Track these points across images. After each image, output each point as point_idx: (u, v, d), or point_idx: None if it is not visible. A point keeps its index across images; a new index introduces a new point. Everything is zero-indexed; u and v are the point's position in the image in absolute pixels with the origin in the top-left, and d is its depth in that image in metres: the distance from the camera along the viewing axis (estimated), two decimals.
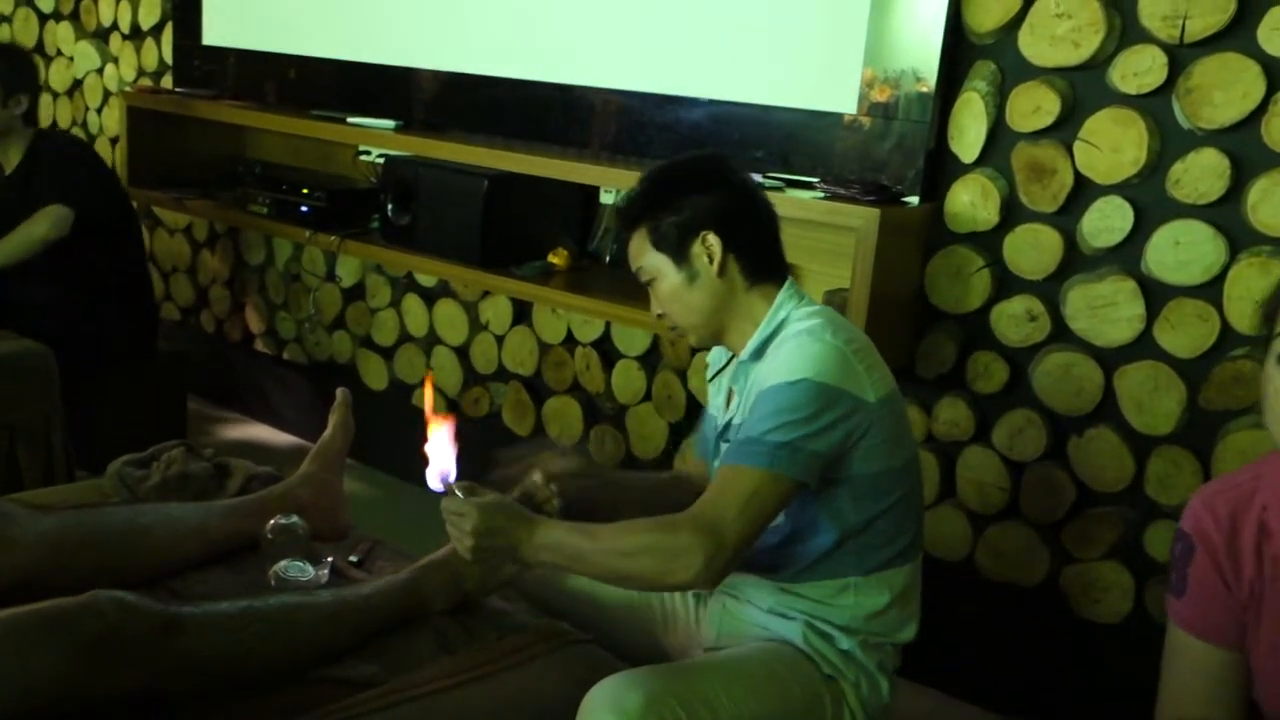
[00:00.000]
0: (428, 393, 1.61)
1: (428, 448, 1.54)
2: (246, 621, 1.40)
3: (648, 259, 1.63)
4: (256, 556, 1.73)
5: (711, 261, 1.59)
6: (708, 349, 1.79)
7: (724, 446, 1.64)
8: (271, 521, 1.72)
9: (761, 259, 1.63)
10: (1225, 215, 2.02)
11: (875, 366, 1.55)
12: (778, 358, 1.54)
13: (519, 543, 1.47)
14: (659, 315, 1.68)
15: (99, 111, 4.02)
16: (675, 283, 1.61)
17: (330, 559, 1.73)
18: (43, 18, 4.15)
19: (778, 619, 1.61)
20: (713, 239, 1.58)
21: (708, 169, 1.65)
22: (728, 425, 1.66)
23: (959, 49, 2.24)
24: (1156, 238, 2.08)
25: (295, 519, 1.73)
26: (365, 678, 1.45)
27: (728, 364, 1.72)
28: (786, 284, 1.63)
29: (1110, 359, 2.17)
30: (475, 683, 1.48)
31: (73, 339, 2.84)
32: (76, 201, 2.89)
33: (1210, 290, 2.05)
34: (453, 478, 1.52)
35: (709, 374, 1.79)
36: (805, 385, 1.47)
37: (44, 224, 2.86)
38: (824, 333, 1.52)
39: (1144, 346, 2.13)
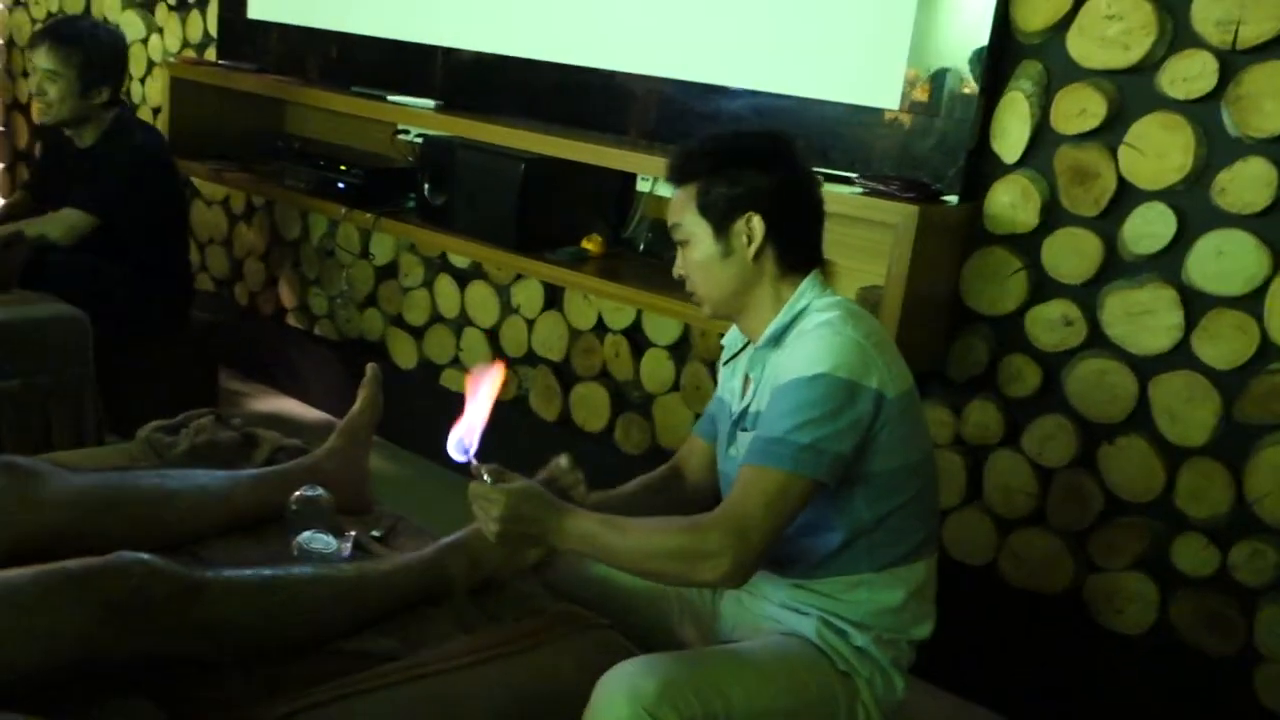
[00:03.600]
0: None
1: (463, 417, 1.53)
2: (269, 590, 1.40)
3: (687, 219, 1.60)
4: (280, 527, 1.74)
5: (750, 243, 1.58)
6: (719, 322, 1.76)
7: (741, 435, 1.63)
8: (296, 493, 1.73)
9: (799, 252, 1.61)
10: (1270, 226, 1.99)
11: (894, 360, 1.54)
12: (796, 350, 1.53)
13: (547, 531, 1.47)
14: (679, 276, 1.66)
15: (142, 81, 4.05)
16: (708, 253, 1.59)
17: (353, 533, 1.74)
18: None
19: (791, 614, 1.61)
20: (757, 222, 1.57)
21: (774, 150, 1.62)
22: (744, 413, 1.64)
23: (1005, 48, 2.21)
24: (1199, 246, 2.05)
25: (320, 491, 1.74)
26: (384, 652, 1.45)
27: (742, 349, 1.71)
28: (812, 274, 1.62)
29: (1146, 367, 2.14)
30: (492, 663, 1.48)
31: (109, 305, 2.86)
32: (101, 211, 2.92)
33: (1251, 302, 2.02)
34: (474, 450, 1.50)
35: (723, 357, 1.77)
36: (825, 380, 1.46)
37: (58, 228, 2.89)
38: (844, 325, 1.51)
39: (1181, 356, 2.10)
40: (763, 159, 1.60)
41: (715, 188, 1.58)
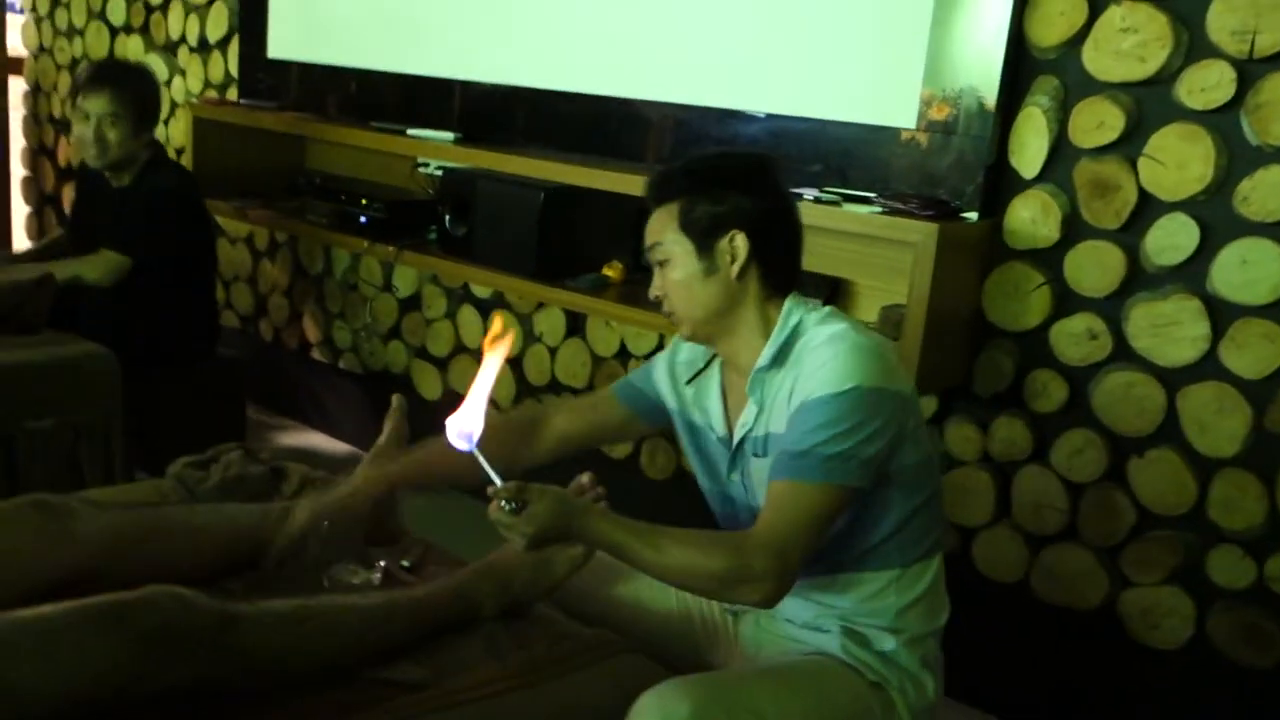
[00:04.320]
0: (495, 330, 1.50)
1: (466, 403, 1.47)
2: (299, 620, 1.41)
3: (668, 237, 1.58)
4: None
5: (733, 262, 1.56)
6: (696, 343, 1.70)
7: (755, 460, 1.61)
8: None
9: (782, 275, 1.61)
10: None
11: (899, 361, 1.59)
12: (813, 366, 1.51)
13: (575, 539, 1.49)
14: (656, 297, 1.64)
15: (166, 122, 4.10)
16: (690, 271, 1.57)
17: (383, 563, 1.74)
18: (113, 31, 4.26)
19: (812, 632, 1.61)
20: (741, 240, 1.56)
21: (758, 171, 1.62)
22: (746, 438, 1.61)
23: (1021, 64, 2.21)
24: (1223, 256, 2.04)
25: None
26: (414, 680, 1.45)
27: (706, 367, 1.70)
28: (791, 294, 1.61)
29: (1173, 379, 2.13)
30: (523, 689, 1.48)
31: (136, 344, 2.89)
32: (136, 251, 2.94)
33: (1278, 310, 2.01)
34: (476, 437, 1.45)
35: (683, 376, 1.73)
36: (855, 393, 1.46)
37: (96, 270, 2.91)
38: (854, 334, 1.52)
39: (1208, 366, 2.08)
40: (747, 179, 1.59)
41: (698, 205, 1.56)
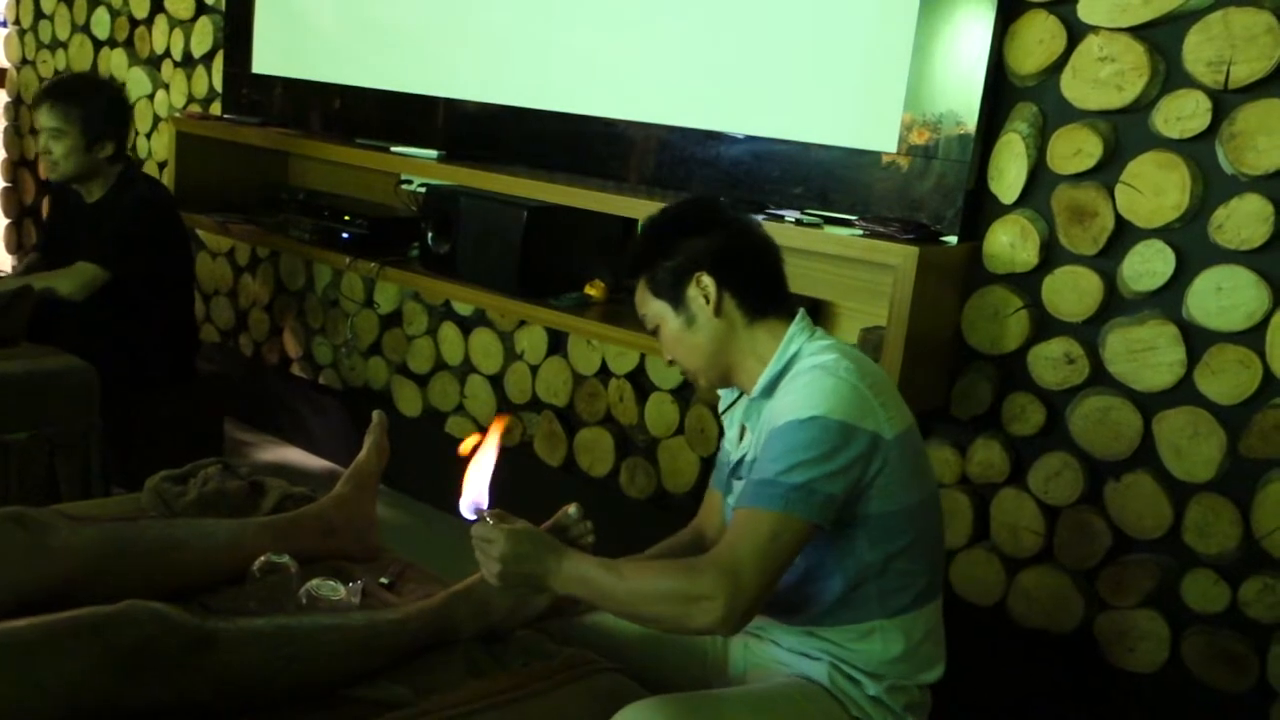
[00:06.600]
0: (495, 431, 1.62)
1: (467, 476, 1.56)
2: (279, 639, 1.40)
3: (650, 307, 1.65)
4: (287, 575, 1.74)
5: (708, 302, 1.59)
6: (718, 390, 1.77)
7: (736, 484, 1.63)
8: (260, 559, 1.69)
9: (760, 295, 1.62)
10: (1269, 262, 2.01)
11: (891, 402, 1.53)
12: (790, 393, 1.52)
13: (547, 572, 1.48)
14: (669, 361, 1.69)
15: (148, 136, 4.10)
16: (675, 326, 1.62)
17: (361, 581, 1.73)
18: (97, 44, 4.25)
19: (802, 658, 1.60)
20: (706, 279, 1.59)
21: (699, 213, 1.67)
22: (739, 462, 1.64)
23: (1000, 91, 2.24)
24: (1198, 283, 2.06)
25: (286, 558, 1.69)
26: (394, 699, 1.45)
27: (737, 399, 1.72)
28: (797, 318, 1.62)
29: (1149, 404, 2.15)
30: (502, 707, 1.48)
31: (115, 357, 2.88)
32: (110, 264, 2.93)
33: (1253, 337, 2.03)
34: (485, 505, 1.54)
35: (721, 407, 1.78)
36: (819, 423, 1.45)
37: (70, 283, 2.90)
38: (838, 368, 1.50)
39: (1184, 392, 2.10)
40: (692, 224, 1.64)
41: (659, 268, 1.62)
